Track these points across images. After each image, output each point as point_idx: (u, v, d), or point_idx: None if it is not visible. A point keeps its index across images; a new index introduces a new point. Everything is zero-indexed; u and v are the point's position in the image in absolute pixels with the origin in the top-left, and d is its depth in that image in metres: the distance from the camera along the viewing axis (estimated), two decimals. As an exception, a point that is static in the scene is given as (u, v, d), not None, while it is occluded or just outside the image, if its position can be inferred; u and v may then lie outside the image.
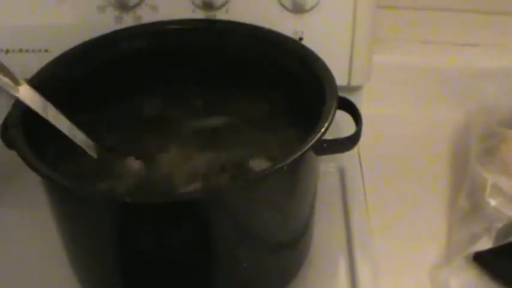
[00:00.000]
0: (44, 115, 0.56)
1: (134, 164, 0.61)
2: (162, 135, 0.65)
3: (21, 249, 0.66)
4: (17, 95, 0.54)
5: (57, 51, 0.65)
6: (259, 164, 0.61)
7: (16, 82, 0.54)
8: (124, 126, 0.66)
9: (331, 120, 0.55)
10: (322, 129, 0.53)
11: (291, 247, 0.60)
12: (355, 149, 0.60)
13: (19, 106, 0.58)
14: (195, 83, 0.67)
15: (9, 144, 0.57)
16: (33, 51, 0.73)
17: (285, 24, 0.68)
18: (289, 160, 0.51)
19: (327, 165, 0.72)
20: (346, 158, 0.71)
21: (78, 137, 0.59)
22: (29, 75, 0.61)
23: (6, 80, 0.53)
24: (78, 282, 0.62)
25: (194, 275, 0.56)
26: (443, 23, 0.83)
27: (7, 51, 0.73)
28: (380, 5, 0.72)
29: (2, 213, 0.70)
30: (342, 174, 0.73)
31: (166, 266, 0.55)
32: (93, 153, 0.60)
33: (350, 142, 0.58)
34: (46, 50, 0.72)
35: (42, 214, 0.60)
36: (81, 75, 0.65)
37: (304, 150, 0.52)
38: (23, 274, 0.64)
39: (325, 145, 0.56)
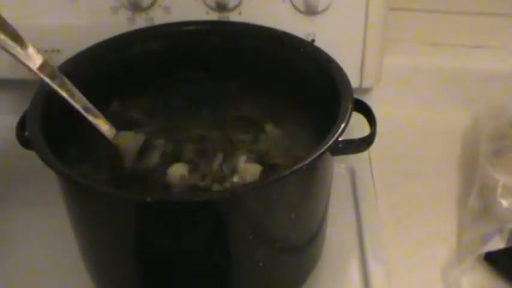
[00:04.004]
0: (52, 83, 0.56)
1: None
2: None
3: (35, 249, 0.67)
4: (19, 56, 0.54)
5: (69, 51, 0.65)
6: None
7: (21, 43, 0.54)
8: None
9: (348, 121, 0.55)
10: (339, 130, 0.54)
11: (306, 247, 0.60)
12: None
13: (36, 105, 0.59)
14: (209, 84, 0.67)
15: (26, 144, 0.57)
16: (45, 51, 0.72)
17: (297, 26, 0.69)
18: (308, 160, 0.51)
19: (338, 166, 0.72)
20: (356, 159, 0.71)
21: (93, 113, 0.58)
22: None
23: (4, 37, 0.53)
24: (93, 282, 0.62)
25: (211, 275, 0.56)
26: (452, 26, 0.84)
27: (19, 52, 0.73)
28: (389, 7, 0.73)
29: (16, 212, 0.70)
30: (352, 174, 0.74)
31: (183, 265, 0.56)
32: (108, 135, 0.59)
33: (364, 143, 0.58)
34: (58, 51, 0.72)
35: (57, 214, 0.60)
36: (95, 76, 0.65)
37: (322, 150, 0.52)
38: (36, 274, 0.65)
39: (340, 146, 0.57)
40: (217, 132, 0.64)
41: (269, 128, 0.64)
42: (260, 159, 0.61)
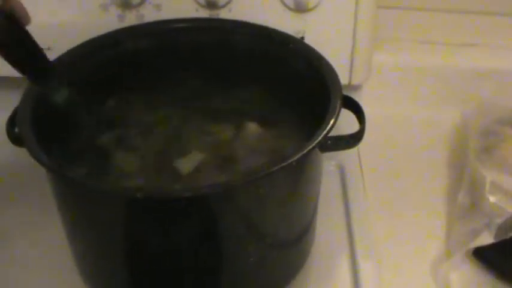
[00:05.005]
0: None
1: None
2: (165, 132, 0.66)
3: (25, 246, 0.66)
4: None
5: (59, 49, 0.65)
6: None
7: None
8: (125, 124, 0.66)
9: (337, 117, 0.56)
10: (328, 126, 0.54)
11: (296, 242, 0.61)
12: (355, 147, 0.61)
13: (27, 103, 0.59)
14: (199, 82, 0.68)
15: (16, 141, 0.58)
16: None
17: (287, 23, 0.69)
18: (297, 156, 0.52)
19: (328, 163, 0.73)
20: (345, 156, 0.72)
21: None
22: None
23: None
24: (83, 279, 0.62)
25: (202, 270, 0.56)
26: (443, 24, 0.85)
27: (9, 49, 0.73)
28: (379, 5, 0.73)
29: (7, 209, 0.70)
30: (341, 171, 0.74)
31: (173, 262, 0.56)
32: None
33: (354, 139, 0.59)
34: (48, 48, 0.71)
35: (48, 211, 0.60)
36: (85, 74, 0.65)
37: (311, 146, 0.53)
38: (27, 273, 0.64)
39: (329, 142, 0.57)
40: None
41: (252, 126, 0.64)
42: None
